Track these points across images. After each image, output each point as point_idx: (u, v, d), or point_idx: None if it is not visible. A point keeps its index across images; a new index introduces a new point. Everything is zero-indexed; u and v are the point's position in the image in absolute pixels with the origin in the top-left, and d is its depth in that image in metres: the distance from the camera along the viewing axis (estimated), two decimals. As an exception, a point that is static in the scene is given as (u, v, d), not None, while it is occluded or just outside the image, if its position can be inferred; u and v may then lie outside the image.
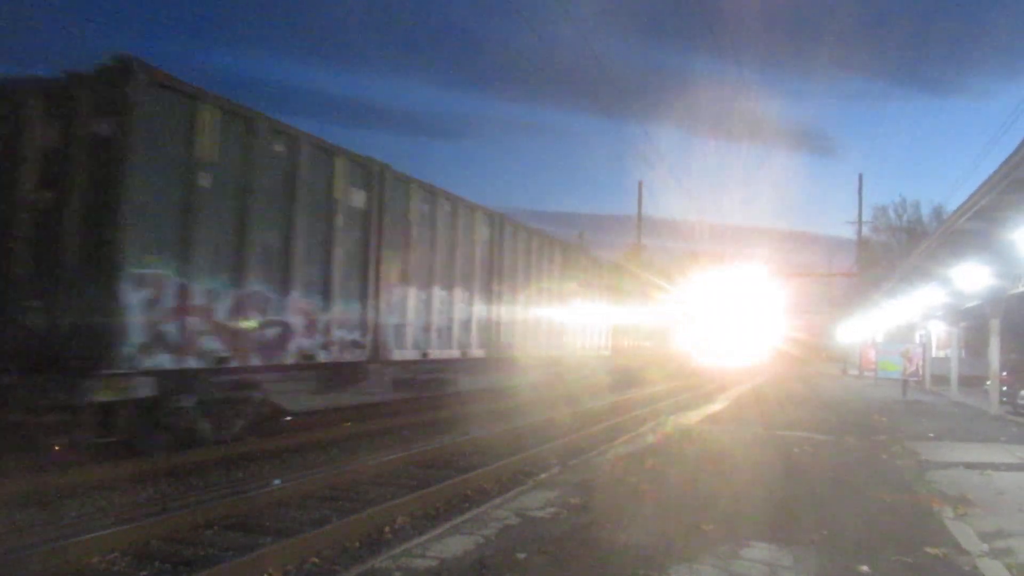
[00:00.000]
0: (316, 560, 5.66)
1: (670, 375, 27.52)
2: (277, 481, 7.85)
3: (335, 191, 10.13)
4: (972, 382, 24.43)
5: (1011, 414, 17.31)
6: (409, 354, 11.83)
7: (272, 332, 9.10)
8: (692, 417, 14.69)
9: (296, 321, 9.45)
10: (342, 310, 10.29)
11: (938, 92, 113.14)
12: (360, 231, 10.68)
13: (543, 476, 8.15)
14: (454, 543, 5.40)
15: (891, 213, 59.18)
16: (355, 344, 10.57)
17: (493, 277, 14.50)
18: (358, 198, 10.62)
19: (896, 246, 55.08)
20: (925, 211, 57.42)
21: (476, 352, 13.87)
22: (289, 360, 9.42)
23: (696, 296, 33.23)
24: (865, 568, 5.09)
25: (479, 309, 13.94)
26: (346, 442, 10.83)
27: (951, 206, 38.78)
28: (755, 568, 5.04)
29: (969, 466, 9.60)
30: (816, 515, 6.53)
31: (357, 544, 6.11)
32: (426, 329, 12.15)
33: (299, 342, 9.50)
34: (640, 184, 47.59)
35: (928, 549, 5.57)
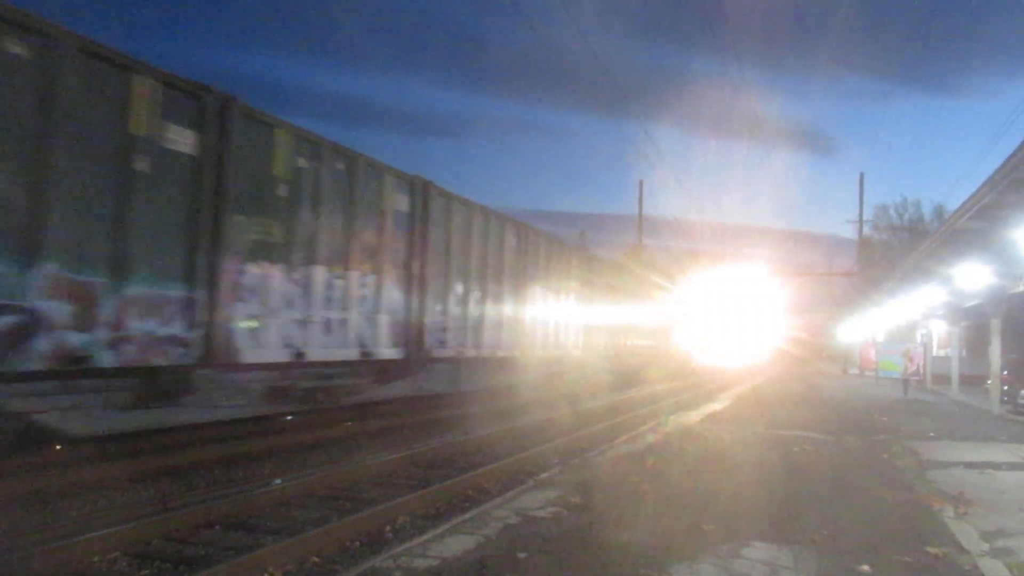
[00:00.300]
0: (317, 559, 5.66)
1: (671, 375, 27.47)
2: (278, 480, 7.85)
3: (134, 124, 7.23)
4: (973, 381, 24.44)
5: (1012, 413, 17.30)
6: (274, 355, 9.04)
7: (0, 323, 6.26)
8: (692, 416, 14.69)
9: (52, 307, 6.59)
10: (148, 293, 7.41)
11: (939, 91, 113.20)
12: (186, 185, 7.86)
13: (544, 475, 8.15)
14: (455, 543, 5.40)
15: (892, 212, 59.30)
16: (173, 341, 7.72)
17: (414, 258, 11.74)
18: (182, 139, 7.79)
19: (897, 245, 55.10)
20: (926, 210, 57.57)
21: (386, 352, 11.10)
22: (35, 364, 6.47)
23: (696, 295, 33.21)
24: (866, 568, 5.09)
25: (392, 298, 11.21)
26: (346, 441, 10.83)
27: (952, 205, 38.85)
28: (756, 568, 5.04)
29: (970, 465, 9.60)
30: (817, 515, 6.53)
31: (358, 544, 6.11)
32: (304, 323, 9.41)
33: (58, 338, 6.62)
34: (641, 183, 47.68)
35: (929, 548, 5.57)
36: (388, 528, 6.53)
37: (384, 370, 11.75)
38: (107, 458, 8.08)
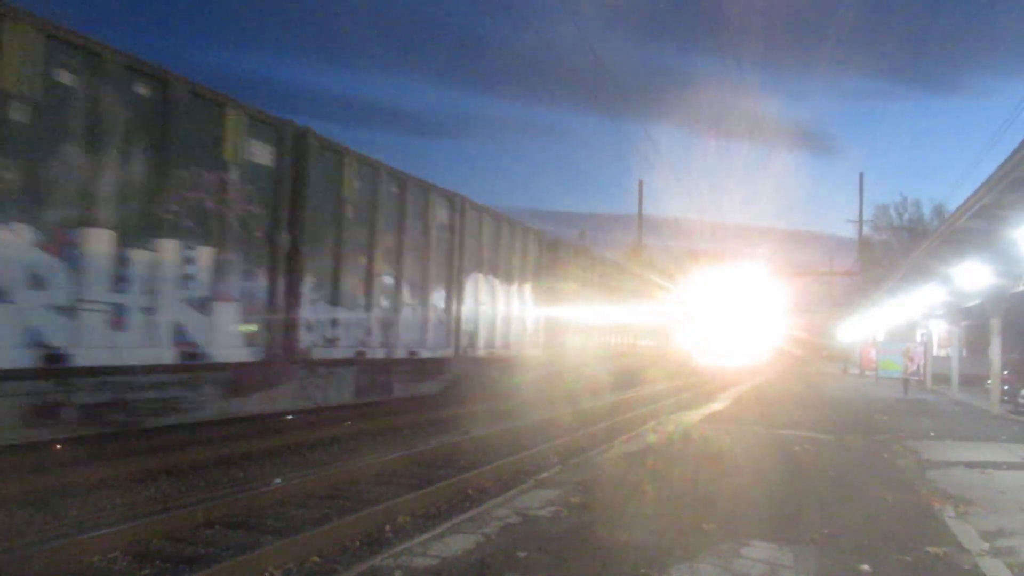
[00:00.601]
0: (317, 559, 5.65)
1: (670, 375, 27.40)
2: (278, 480, 7.85)
3: None
4: (973, 381, 24.42)
5: (1012, 413, 17.31)
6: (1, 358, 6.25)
7: None
8: (693, 416, 14.68)
9: None
10: None
11: (939, 91, 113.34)
12: None
13: (544, 475, 8.15)
14: (455, 542, 5.40)
15: (892, 212, 59.28)
16: None
17: (281, 229, 9.01)
18: None
19: (897, 245, 55.07)
20: (926, 210, 57.51)
21: (232, 353, 8.49)
22: None
23: (696, 295, 33.21)
24: (866, 567, 5.09)
25: (243, 280, 8.56)
26: (347, 441, 10.81)
27: (952, 205, 38.86)
28: (756, 567, 5.04)
29: (970, 465, 9.60)
30: (817, 514, 6.53)
31: (358, 543, 6.10)
32: (71, 311, 6.67)
33: None
34: (640, 183, 47.62)
35: (929, 548, 5.56)
36: (388, 527, 6.53)
37: (239, 379, 8.83)
38: (107, 458, 8.07)
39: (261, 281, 8.84)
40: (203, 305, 8.09)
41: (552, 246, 17.43)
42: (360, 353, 10.29)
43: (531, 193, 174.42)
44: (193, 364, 8.04)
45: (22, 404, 6.89)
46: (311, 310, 9.43)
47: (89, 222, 6.92)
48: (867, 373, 36.03)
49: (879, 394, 23.26)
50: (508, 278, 14.91)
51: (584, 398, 16.90)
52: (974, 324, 25.95)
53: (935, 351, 31.24)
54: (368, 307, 10.50)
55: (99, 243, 7.00)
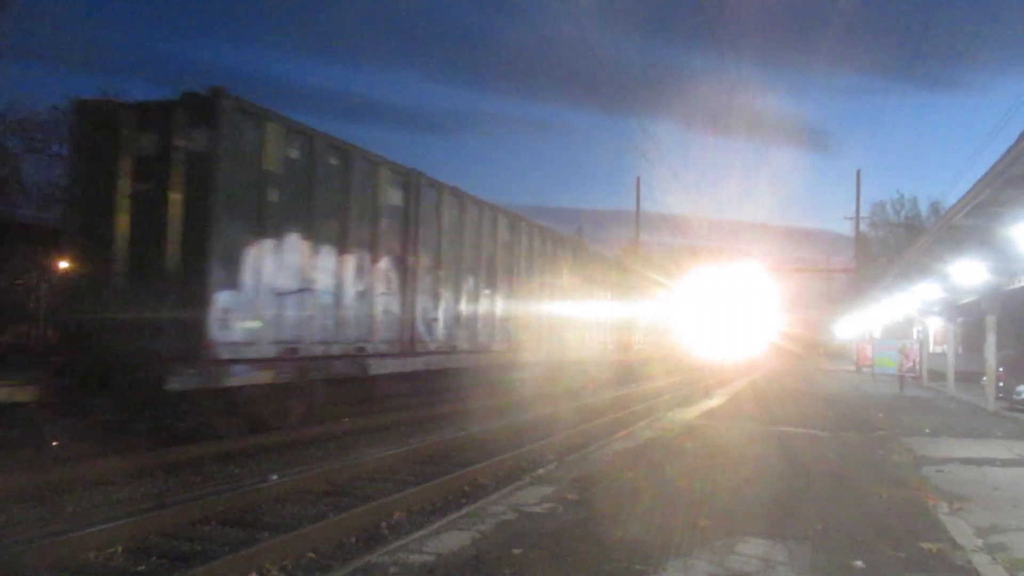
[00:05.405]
0: (313, 555, 5.66)
1: (667, 371, 27.38)
2: (274, 476, 7.86)
3: None
4: (969, 378, 24.44)
5: (1007, 410, 17.33)
6: None
7: None
8: (690, 413, 14.71)
9: None
10: None
11: (936, 88, 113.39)
12: None
13: (540, 471, 8.16)
14: (450, 538, 5.41)
15: (889, 209, 59.44)
16: None
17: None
18: None
19: (894, 242, 55.16)
20: (923, 207, 57.64)
21: None
22: None
23: (694, 291, 33.21)
24: (860, 563, 5.11)
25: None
26: (344, 437, 10.83)
27: (949, 202, 38.77)
28: (750, 563, 5.06)
29: (965, 462, 9.63)
30: (812, 511, 6.55)
31: (354, 539, 6.11)
32: None
33: None
34: (637, 180, 47.56)
35: (923, 544, 5.59)
36: (384, 524, 6.54)
37: None
38: (104, 454, 8.07)
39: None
40: None
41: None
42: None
43: (528, 189, 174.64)
44: None
45: None
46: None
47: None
48: (863, 370, 36.12)
49: (875, 390, 23.31)
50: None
51: (582, 394, 16.93)
52: (970, 321, 26.00)
53: (931, 348, 31.29)
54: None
55: None
